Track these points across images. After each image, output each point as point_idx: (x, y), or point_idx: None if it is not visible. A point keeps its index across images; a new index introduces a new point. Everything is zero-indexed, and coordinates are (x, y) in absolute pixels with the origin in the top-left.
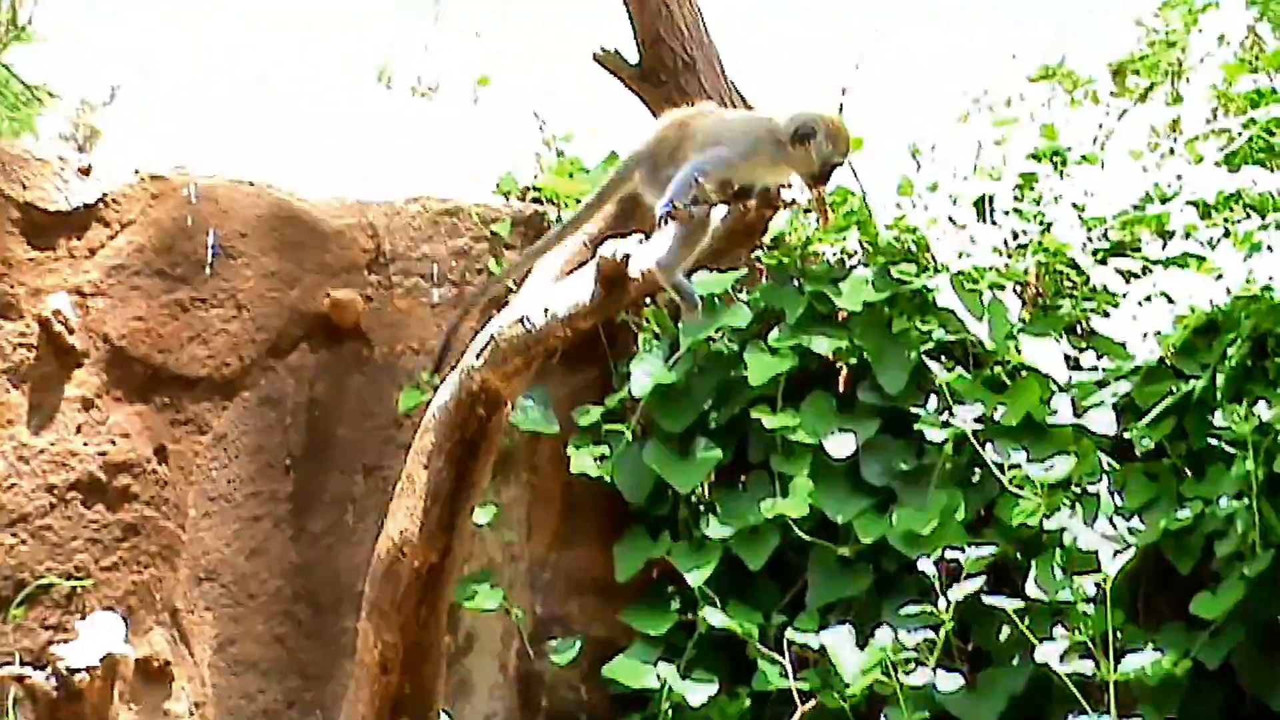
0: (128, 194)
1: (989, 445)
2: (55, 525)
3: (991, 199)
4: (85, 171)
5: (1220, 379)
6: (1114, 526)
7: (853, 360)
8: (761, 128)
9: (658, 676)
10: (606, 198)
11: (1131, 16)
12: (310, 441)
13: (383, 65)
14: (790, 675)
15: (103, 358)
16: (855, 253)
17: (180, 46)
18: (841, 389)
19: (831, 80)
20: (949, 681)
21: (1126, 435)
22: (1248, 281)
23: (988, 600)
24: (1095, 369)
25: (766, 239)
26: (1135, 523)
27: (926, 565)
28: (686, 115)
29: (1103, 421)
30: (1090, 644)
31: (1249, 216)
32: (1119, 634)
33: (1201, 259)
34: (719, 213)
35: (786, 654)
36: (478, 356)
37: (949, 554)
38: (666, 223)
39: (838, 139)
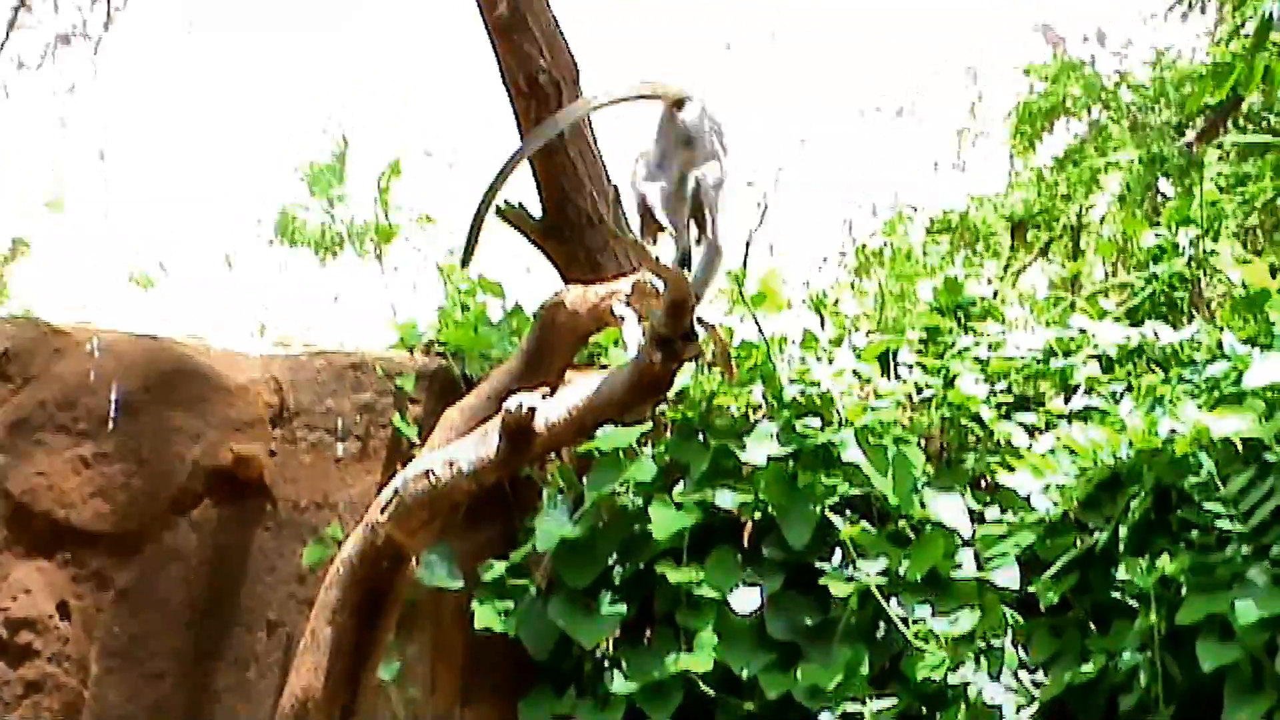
0: (29, 348)
1: (893, 599)
2: None
3: (895, 353)
4: None
5: (1123, 532)
6: (1018, 680)
7: (757, 515)
8: None
9: None
10: None
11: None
12: (213, 597)
13: (286, 218)
14: None
15: (3, 514)
16: (760, 407)
17: (83, 198)
18: (746, 543)
19: (734, 230)
20: None
21: (1031, 589)
22: (1150, 435)
23: None
24: (999, 523)
25: (671, 393)
26: (1040, 676)
27: None
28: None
29: (1007, 576)
30: None
31: (1151, 370)
32: None
33: (1104, 413)
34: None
35: None
36: (382, 511)
37: (853, 708)
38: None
39: None
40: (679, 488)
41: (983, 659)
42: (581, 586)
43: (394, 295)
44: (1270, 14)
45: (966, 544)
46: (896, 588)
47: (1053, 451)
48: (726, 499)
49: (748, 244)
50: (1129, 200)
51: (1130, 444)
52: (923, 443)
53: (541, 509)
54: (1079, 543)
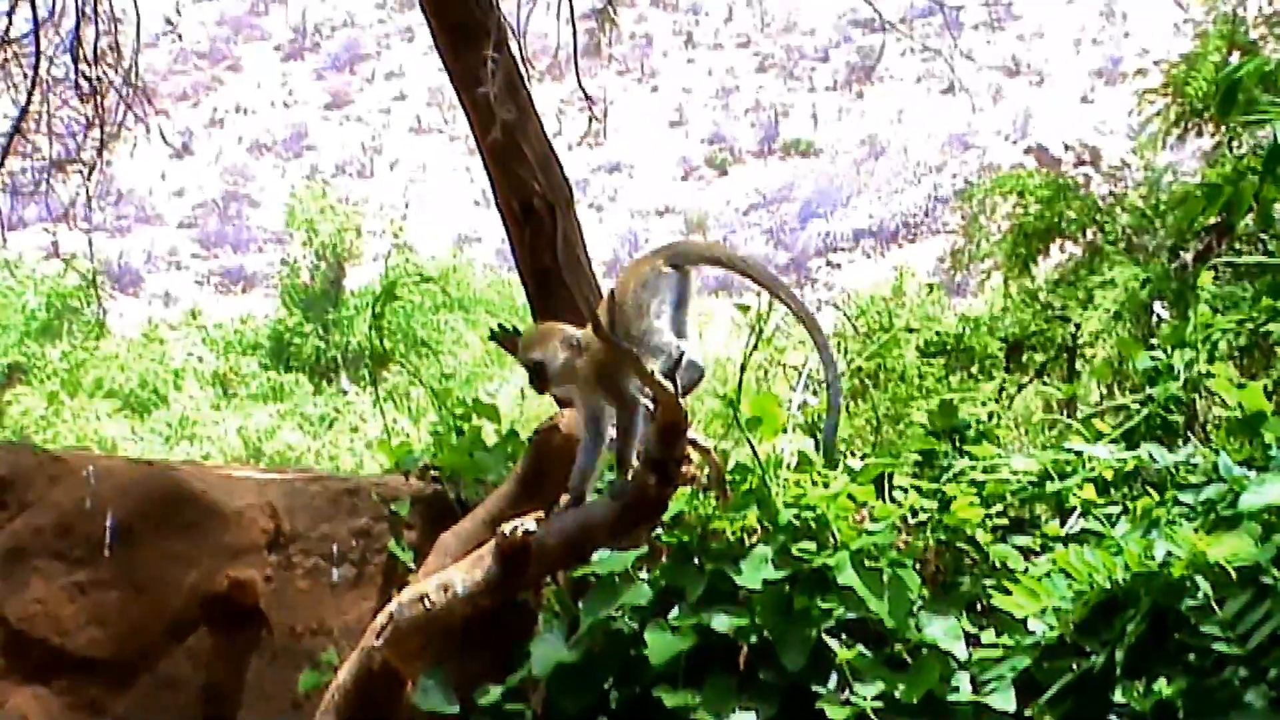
0: (26, 475)
1: None
2: None
3: (890, 476)
4: None
5: (1120, 655)
6: None
7: (753, 638)
8: None
9: None
10: None
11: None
12: None
13: (281, 343)
14: None
15: (0, 641)
16: (755, 530)
17: (78, 324)
18: (742, 667)
19: (730, 353)
20: None
21: (1027, 713)
22: (1146, 558)
23: None
24: (995, 646)
25: (666, 517)
26: None
27: None
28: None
29: (1004, 700)
30: None
31: (1147, 493)
32: None
33: (1100, 536)
34: None
35: None
36: (378, 636)
37: None
38: None
39: None
40: (674, 612)
41: None
42: (577, 712)
43: (388, 418)
44: (1277, 139)
45: (962, 667)
46: (892, 711)
47: (1048, 574)
48: (722, 623)
49: (743, 367)
50: (1124, 319)
51: (1126, 567)
52: (918, 566)
53: (537, 633)
54: (1076, 666)
